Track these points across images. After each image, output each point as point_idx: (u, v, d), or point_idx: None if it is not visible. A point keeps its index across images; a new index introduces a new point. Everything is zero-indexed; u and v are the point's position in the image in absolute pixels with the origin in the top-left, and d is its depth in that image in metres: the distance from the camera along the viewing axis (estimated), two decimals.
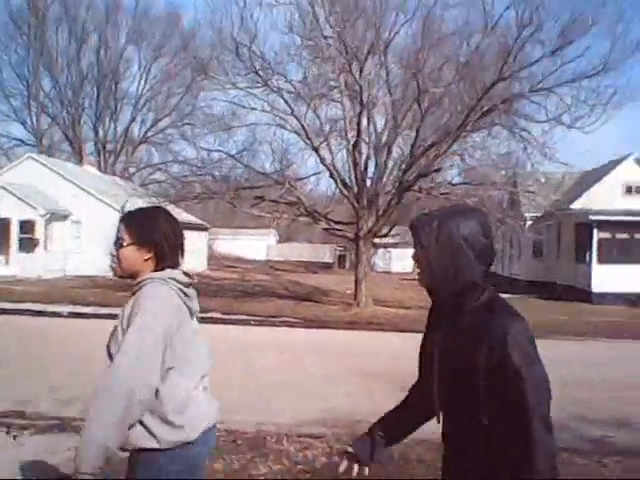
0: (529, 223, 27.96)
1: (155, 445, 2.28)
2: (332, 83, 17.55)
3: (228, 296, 20.28)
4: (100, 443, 2.14)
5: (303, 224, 21.03)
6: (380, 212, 16.77)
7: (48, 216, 24.49)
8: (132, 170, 45.09)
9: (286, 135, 17.77)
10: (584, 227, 23.58)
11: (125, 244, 2.45)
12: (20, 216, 24.17)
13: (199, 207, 30.37)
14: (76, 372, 7.84)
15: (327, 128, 17.55)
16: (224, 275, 31.36)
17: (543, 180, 21.28)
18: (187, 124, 39.38)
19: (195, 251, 32.86)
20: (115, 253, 2.49)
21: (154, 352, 2.23)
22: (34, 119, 45.28)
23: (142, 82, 46.47)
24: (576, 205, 24.75)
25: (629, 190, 25.49)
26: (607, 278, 22.27)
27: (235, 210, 20.33)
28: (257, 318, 15.38)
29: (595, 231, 23.00)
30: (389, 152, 17.09)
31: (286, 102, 16.89)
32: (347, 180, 17.28)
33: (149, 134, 46.33)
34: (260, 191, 17.58)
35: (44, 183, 25.80)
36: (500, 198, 23.80)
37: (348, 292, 20.09)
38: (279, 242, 61.66)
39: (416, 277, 2.10)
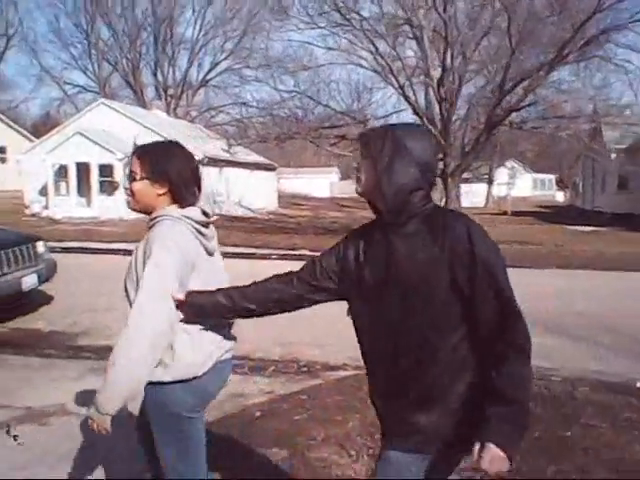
0: (613, 155, 26.93)
1: (166, 378, 2.28)
2: (415, 19, 16.86)
3: (309, 233, 20.32)
4: (124, 383, 2.14)
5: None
6: (467, 148, 16.32)
7: (125, 160, 24.83)
8: (194, 114, 45.15)
9: (366, 74, 17.36)
10: None
11: (137, 178, 2.36)
12: (99, 160, 24.55)
13: (261, 148, 30.23)
14: None
15: (411, 65, 16.99)
16: (297, 213, 31.46)
17: (628, 112, 20.36)
18: (247, 67, 39.24)
19: (265, 190, 33.03)
20: (128, 186, 2.41)
21: (170, 289, 2.21)
22: (95, 66, 45.69)
23: (197, 27, 46.08)
24: None
25: None
26: None
27: (295, 150, 20.22)
28: None
29: None
30: (476, 88, 16.48)
31: (369, 39, 16.35)
32: (435, 118, 16.78)
33: (209, 77, 46.15)
34: (341, 130, 17.32)
35: (117, 128, 26.01)
36: (587, 130, 22.78)
37: None
38: (341, 179, 61.48)
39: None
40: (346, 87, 17.47)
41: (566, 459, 3.88)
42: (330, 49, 16.85)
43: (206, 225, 2.43)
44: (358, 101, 17.40)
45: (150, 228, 2.37)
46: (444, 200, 16.94)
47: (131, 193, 2.43)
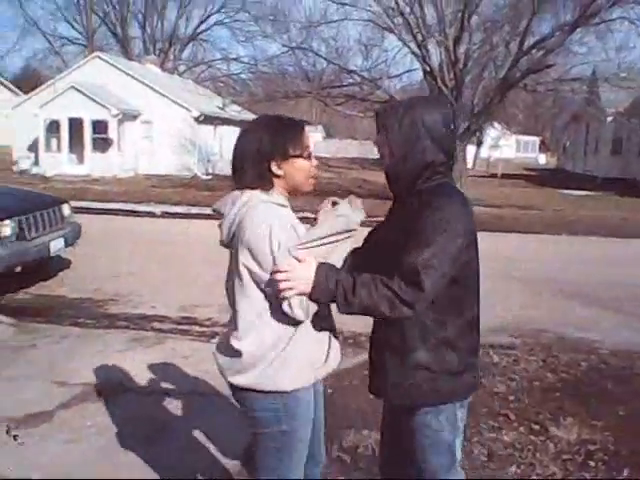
0: (609, 119, 26.80)
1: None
2: None
3: (306, 194, 20.04)
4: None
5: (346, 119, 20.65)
6: (477, 110, 16.01)
7: (120, 116, 24.14)
8: (182, 68, 44.06)
9: (377, 32, 16.82)
10: None
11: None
12: (92, 116, 23.83)
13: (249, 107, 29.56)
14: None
15: (424, 24, 16.45)
16: None
17: (624, 75, 20.17)
18: (238, 21, 38.18)
19: None
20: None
21: None
22: (83, 18, 44.14)
23: None
24: None
25: None
26: None
27: (274, 108, 19.74)
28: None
29: None
30: (492, 48, 16.06)
31: None
32: (446, 78, 16.36)
33: (199, 30, 44.96)
34: (350, 90, 16.90)
35: (112, 82, 25.17)
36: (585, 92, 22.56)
37: None
38: (324, 138, 60.83)
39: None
40: (356, 44, 16.86)
41: None
42: (343, 4, 16.21)
43: None
44: (367, 59, 16.88)
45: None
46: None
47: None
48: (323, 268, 1.98)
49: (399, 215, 2.16)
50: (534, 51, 15.00)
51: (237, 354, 2.09)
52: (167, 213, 15.33)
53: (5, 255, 6.67)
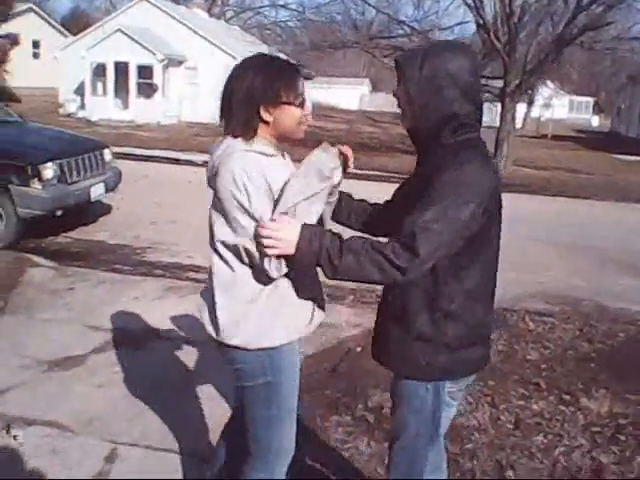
0: None
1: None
2: None
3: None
4: None
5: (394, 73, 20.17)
6: (531, 67, 15.44)
7: (166, 61, 24.05)
8: (229, 14, 43.51)
9: None
10: None
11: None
12: (138, 60, 23.81)
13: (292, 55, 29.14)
14: None
15: None
16: (332, 125, 30.69)
17: None
18: None
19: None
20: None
21: None
22: None
23: None
24: None
25: None
26: None
27: (320, 58, 19.07)
28: (397, 175, 14.80)
29: None
30: (549, 2, 15.32)
31: None
32: (499, 32, 15.75)
33: None
34: (399, 41, 16.46)
35: (159, 26, 25.02)
36: None
37: None
38: (371, 92, 59.85)
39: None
40: None
41: None
42: None
43: None
44: (418, 9, 16.33)
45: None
46: (498, 121, 16.24)
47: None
48: (308, 230, 1.85)
49: (419, 173, 2.02)
50: (593, 6, 14.29)
51: (217, 311, 2.06)
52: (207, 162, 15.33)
53: (47, 198, 6.77)
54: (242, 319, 2.03)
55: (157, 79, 24.23)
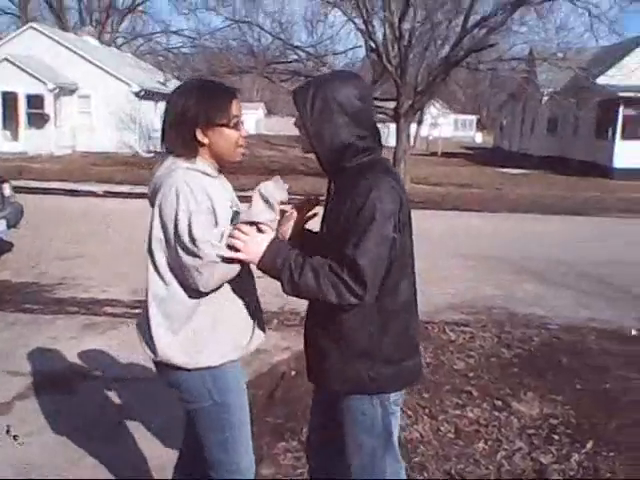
0: (545, 99, 27.39)
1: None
2: None
3: (251, 172, 19.78)
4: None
5: (288, 96, 20.48)
6: (421, 89, 16.10)
7: (57, 90, 23.21)
8: (120, 41, 42.61)
9: (322, 7, 16.60)
10: (609, 103, 23.16)
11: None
12: (27, 90, 22.82)
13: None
14: None
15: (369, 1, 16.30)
16: None
17: (561, 55, 20.66)
18: None
19: None
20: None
21: None
22: None
23: None
24: (599, 81, 24.11)
25: None
26: (630, 154, 22.24)
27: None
28: (300, 196, 14.93)
29: (621, 107, 22.67)
30: (434, 26, 16.05)
31: None
32: (390, 55, 16.31)
33: (137, 1, 43.47)
34: (294, 66, 16.71)
35: (48, 55, 24.18)
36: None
37: None
38: (266, 116, 60.28)
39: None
40: (301, 19, 16.68)
41: (620, 412, 3.93)
42: None
43: None
44: (312, 35, 16.67)
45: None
46: (395, 141, 16.80)
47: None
48: (276, 243, 1.96)
49: (332, 195, 2.12)
50: (476, 30, 15.14)
51: (152, 328, 2.05)
52: (110, 192, 14.91)
53: None
54: (179, 337, 2.01)
55: (48, 109, 23.32)
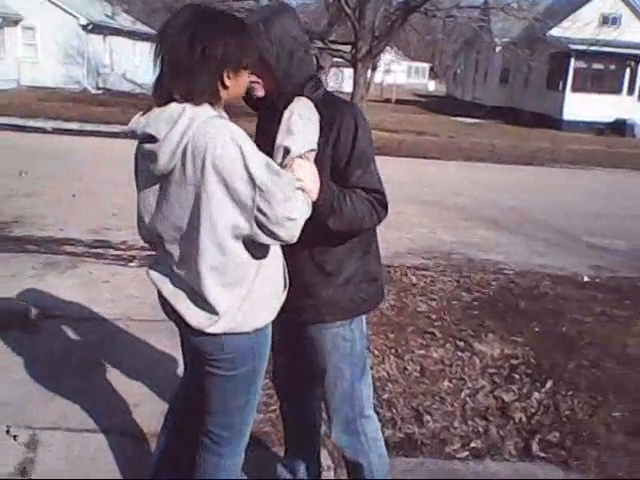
0: (498, 49, 27.50)
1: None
2: None
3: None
4: None
5: None
6: (379, 33, 15.93)
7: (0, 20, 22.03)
8: None
9: None
10: (560, 55, 23.43)
11: None
12: None
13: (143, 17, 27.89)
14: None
15: None
16: None
17: (515, 5, 20.66)
18: None
19: (150, 64, 30.85)
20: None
21: None
22: None
23: None
24: (552, 33, 24.27)
25: (605, 21, 24.99)
26: (579, 106, 22.68)
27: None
28: None
29: (572, 60, 22.98)
30: None
31: None
32: None
33: None
34: (250, 4, 16.17)
35: None
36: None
37: None
38: None
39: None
40: None
41: (577, 354, 4.12)
42: None
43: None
44: None
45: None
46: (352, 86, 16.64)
47: None
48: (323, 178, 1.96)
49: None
50: None
51: (205, 301, 1.85)
52: (59, 129, 14.40)
53: None
54: (234, 301, 1.87)
55: None
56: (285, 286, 2.03)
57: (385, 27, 16.23)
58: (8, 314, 4.19)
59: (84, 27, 23.27)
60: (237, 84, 1.86)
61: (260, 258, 1.90)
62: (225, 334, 1.89)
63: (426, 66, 63.06)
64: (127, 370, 3.54)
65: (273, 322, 2.01)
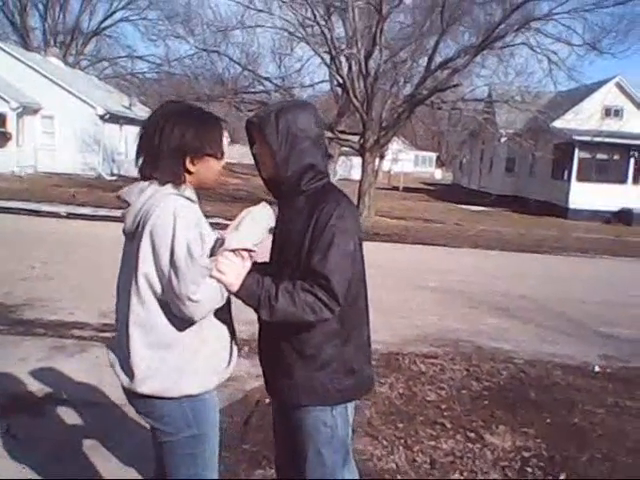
0: (503, 139, 28.14)
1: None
2: None
3: (216, 200, 19.75)
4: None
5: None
6: (386, 124, 16.42)
7: (20, 109, 22.85)
8: (84, 63, 42.34)
9: (289, 41, 16.84)
10: (565, 146, 23.96)
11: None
12: None
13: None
14: None
15: (338, 37, 16.63)
16: None
17: (519, 98, 21.36)
18: (145, 19, 37.23)
19: None
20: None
21: None
22: None
23: None
24: (556, 124, 24.94)
25: (608, 113, 25.69)
26: (584, 195, 23.00)
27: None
28: None
29: (577, 150, 23.48)
30: (397, 65, 16.46)
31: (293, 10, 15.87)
32: (357, 90, 16.59)
33: (103, 25, 43.34)
34: (262, 96, 16.85)
35: (11, 74, 23.78)
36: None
37: None
38: (230, 144, 60.27)
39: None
40: (268, 52, 16.78)
41: (590, 446, 4.03)
42: (260, 11, 16.07)
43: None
44: (279, 68, 16.88)
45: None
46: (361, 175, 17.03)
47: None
48: (252, 275, 2.01)
49: (289, 217, 2.18)
50: (440, 71, 15.60)
51: (132, 357, 1.99)
52: (73, 214, 14.69)
53: None
54: (161, 365, 1.98)
55: (10, 127, 22.91)
56: (229, 364, 2.14)
57: (392, 119, 16.76)
58: (15, 399, 4.18)
59: (101, 117, 24.14)
60: (204, 169, 2.09)
61: (197, 332, 2.02)
62: (153, 397, 2.00)
63: (433, 155, 64.39)
64: (125, 459, 3.48)
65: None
